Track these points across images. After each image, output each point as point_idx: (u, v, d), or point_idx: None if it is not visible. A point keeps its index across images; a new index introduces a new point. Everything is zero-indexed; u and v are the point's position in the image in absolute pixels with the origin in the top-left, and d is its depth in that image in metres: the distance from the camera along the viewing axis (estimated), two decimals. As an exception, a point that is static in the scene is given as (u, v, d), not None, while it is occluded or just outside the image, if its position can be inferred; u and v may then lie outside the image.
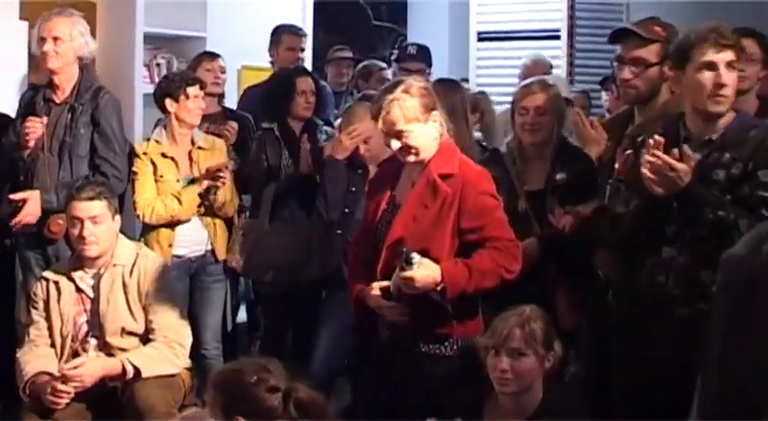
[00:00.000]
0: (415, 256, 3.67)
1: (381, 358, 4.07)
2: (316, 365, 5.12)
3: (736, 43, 3.53)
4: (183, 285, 5.20)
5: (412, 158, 3.88)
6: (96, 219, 4.47)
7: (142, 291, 4.54)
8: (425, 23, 9.75)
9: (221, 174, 5.20)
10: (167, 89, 5.33)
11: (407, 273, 3.67)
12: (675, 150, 3.39)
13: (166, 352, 4.46)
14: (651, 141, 3.41)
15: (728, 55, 3.50)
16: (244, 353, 6.03)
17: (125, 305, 4.52)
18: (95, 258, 4.55)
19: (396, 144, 3.84)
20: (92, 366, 4.36)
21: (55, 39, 5.09)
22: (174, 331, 4.53)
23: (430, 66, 6.55)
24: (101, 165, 5.10)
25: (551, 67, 7.08)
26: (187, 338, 4.60)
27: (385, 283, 3.85)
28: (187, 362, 4.60)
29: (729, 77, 3.50)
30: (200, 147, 5.41)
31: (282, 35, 6.80)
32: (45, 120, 5.07)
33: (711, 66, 3.50)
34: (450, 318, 3.88)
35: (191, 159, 5.37)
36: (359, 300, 4.00)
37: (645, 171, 3.41)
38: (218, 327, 5.49)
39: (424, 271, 3.69)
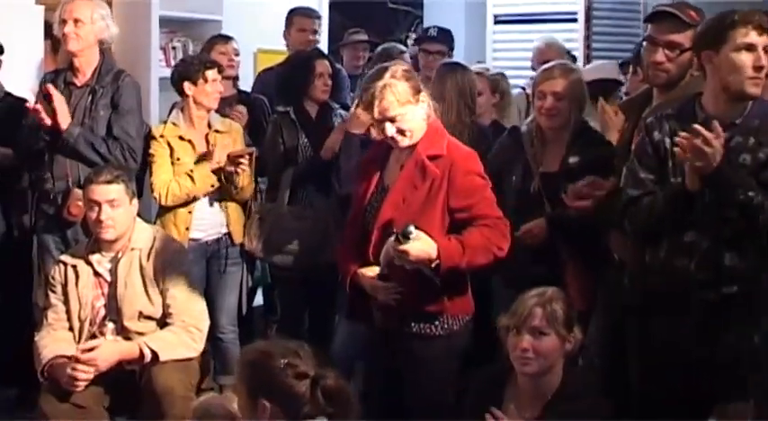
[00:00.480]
0: (413, 230, 3.70)
1: (375, 343, 4.16)
2: (335, 349, 5.13)
3: None
4: (199, 269, 5.21)
5: (406, 142, 3.96)
6: (114, 202, 4.47)
7: (159, 275, 4.54)
8: (442, 6, 9.70)
9: (242, 160, 5.19)
10: (185, 72, 5.32)
11: (403, 247, 3.71)
12: (697, 126, 3.36)
13: (184, 336, 4.46)
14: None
15: (766, 39, 3.48)
16: (260, 336, 6.04)
17: (142, 289, 4.52)
18: (113, 242, 4.55)
19: (391, 129, 3.92)
20: (107, 349, 4.37)
21: (75, 21, 5.10)
22: (191, 315, 4.53)
23: (451, 49, 6.53)
24: (113, 145, 5.12)
25: (566, 51, 7.02)
26: (204, 322, 4.60)
27: (378, 269, 3.92)
28: (204, 346, 4.61)
29: (766, 61, 3.49)
30: (216, 130, 5.41)
31: (294, 17, 6.81)
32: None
33: (751, 47, 3.49)
34: (440, 296, 3.93)
35: (207, 142, 5.37)
36: (353, 283, 4.06)
37: (678, 149, 3.39)
38: (235, 311, 5.50)
39: (420, 245, 3.74)
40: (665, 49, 3.96)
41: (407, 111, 3.91)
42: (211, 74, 5.32)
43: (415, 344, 3.98)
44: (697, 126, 3.36)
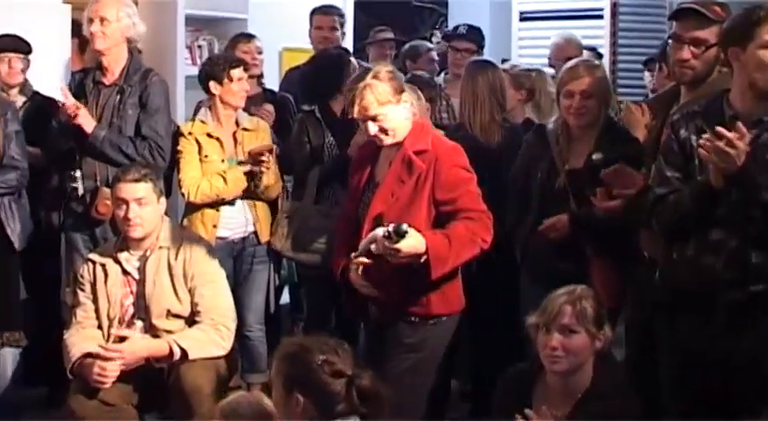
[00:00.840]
0: (407, 228, 3.79)
1: (371, 336, 4.32)
2: (361, 347, 5.13)
3: None
4: (226, 267, 5.20)
5: (389, 140, 4.10)
6: (142, 200, 4.48)
7: (188, 274, 4.54)
8: (467, 3, 9.69)
9: (263, 159, 5.19)
10: (211, 72, 5.32)
11: (396, 245, 3.80)
12: (720, 129, 3.33)
13: (213, 334, 4.47)
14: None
15: None
16: (287, 335, 6.05)
17: (171, 287, 4.53)
18: (141, 240, 4.56)
19: (373, 128, 4.06)
20: (136, 344, 4.39)
21: (102, 20, 5.12)
22: (220, 313, 4.53)
23: (481, 47, 6.51)
24: (141, 145, 5.14)
25: (585, 47, 6.99)
26: (233, 320, 4.61)
27: (362, 259, 4.01)
28: (228, 344, 4.60)
29: None
30: (244, 129, 5.41)
31: (313, 16, 6.81)
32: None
33: None
34: (432, 294, 4.04)
35: (235, 140, 5.37)
36: (344, 276, 4.19)
37: (702, 151, 3.37)
38: (262, 309, 5.50)
39: (411, 241, 3.83)
40: (691, 45, 3.94)
41: (388, 110, 4.04)
42: (237, 72, 5.31)
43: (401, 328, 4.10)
44: (720, 129, 3.33)
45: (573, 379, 3.61)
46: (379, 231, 3.88)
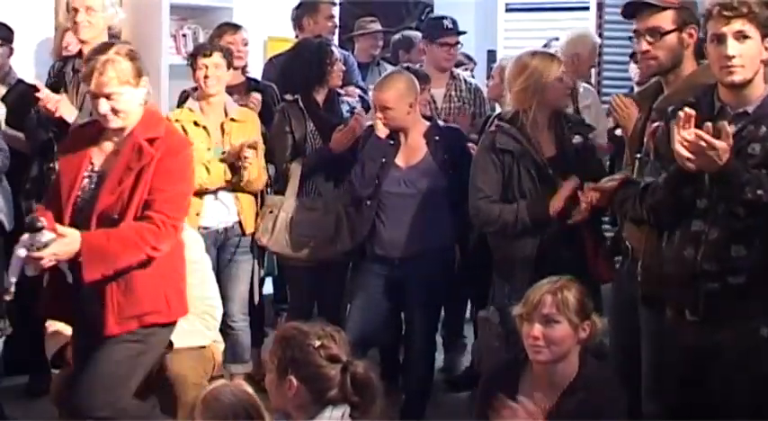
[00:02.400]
0: (40, 223, 3.61)
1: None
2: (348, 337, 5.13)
3: (746, 12, 3.42)
4: (210, 257, 5.20)
5: (118, 123, 3.89)
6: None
7: None
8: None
9: (246, 155, 5.18)
10: (190, 60, 5.38)
11: (38, 254, 3.65)
12: (709, 124, 3.32)
13: (197, 324, 4.45)
14: (682, 114, 3.36)
15: (736, 25, 3.42)
16: (270, 326, 6.05)
17: None
18: None
19: (105, 106, 3.85)
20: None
21: (87, 9, 5.09)
22: (205, 303, 4.51)
23: (457, 41, 6.51)
24: None
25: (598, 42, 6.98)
26: (218, 310, 4.59)
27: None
28: (217, 335, 4.59)
29: (736, 48, 3.42)
30: (232, 119, 5.39)
31: (321, 5, 6.82)
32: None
33: (720, 38, 3.45)
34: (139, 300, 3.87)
35: (223, 130, 5.36)
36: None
37: (679, 148, 3.35)
38: (246, 300, 5.50)
39: (58, 246, 3.68)
40: (647, 35, 3.95)
41: (125, 91, 3.85)
42: (203, 61, 5.30)
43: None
44: (698, 131, 3.32)
45: (558, 369, 3.59)
46: (24, 237, 3.67)
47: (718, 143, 3.28)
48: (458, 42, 6.34)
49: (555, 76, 4.61)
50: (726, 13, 3.43)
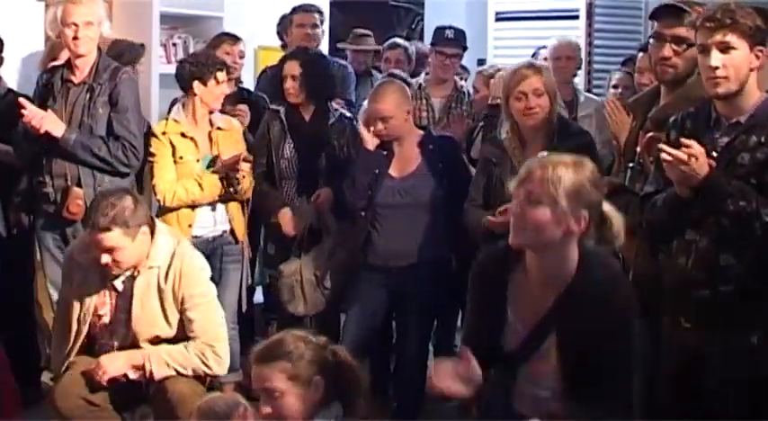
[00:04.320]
0: None
1: None
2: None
3: (729, 23, 3.41)
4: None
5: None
6: (115, 249, 4.22)
7: (177, 296, 4.36)
8: (443, 3, 9.68)
9: (239, 167, 5.17)
10: (198, 72, 5.26)
11: None
12: (691, 142, 3.32)
13: (195, 360, 4.36)
14: (647, 137, 3.37)
15: (718, 36, 3.43)
16: (260, 334, 6.03)
17: (160, 312, 4.38)
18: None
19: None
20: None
21: (87, 24, 5.08)
22: (210, 337, 4.42)
23: (464, 49, 6.51)
24: (114, 145, 5.10)
25: (579, 49, 6.98)
26: (224, 340, 4.49)
27: None
28: (222, 368, 4.48)
29: (719, 59, 3.42)
30: (219, 128, 5.38)
31: (294, 15, 6.76)
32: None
33: (705, 49, 3.46)
34: None
35: (210, 140, 5.34)
36: None
37: (664, 164, 3.36)
38: (235, 308, 5.47)
39: None
40: (672, 43, 3.94)
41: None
42: (221, 76, 5.30)
43: None
44: (664, 147, 3.32)
45: (552, 267, 3.17)
46: None
47: (691, 159, 3.26)
48: (456, 54, 6.34)
49: (516, 91, 4.58)
50: (709, 24, 3.45)
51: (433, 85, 6.35)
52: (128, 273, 4.38)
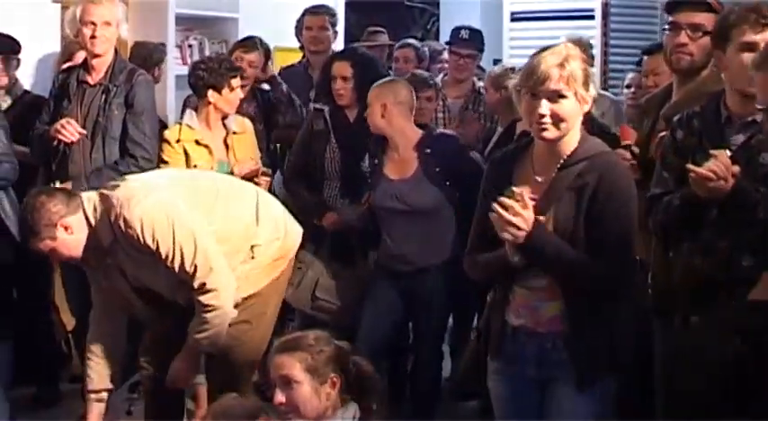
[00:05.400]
0: None
1: None
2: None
3: None
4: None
5: None
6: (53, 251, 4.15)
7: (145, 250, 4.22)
8: (458, 3, 9.69)
9: (257, 181, 5.11)
10: (210, 80, 5.18)
11: None
12: (720, 152, 3.26)
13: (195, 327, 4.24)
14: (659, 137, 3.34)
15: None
16: (277, 336, 6.02)
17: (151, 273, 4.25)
18: None
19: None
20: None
21: (105, 23, 5.09)
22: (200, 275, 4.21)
23: (481, 50, 6.50)
24: (131, 147, 5.10)
25: (591, 46, 6.97)
26: (208, 275, 4.19)
27: None
28: (220, 298, 4.20)
29: None
30: (234, 132, 5.31)
31: (304, 17, 6.73)
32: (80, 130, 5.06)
33: (752, 46, 3.40)
34: None
35: (226, 145, 5.28)
36: None
37: (692, 183, 3.30)
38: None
39: None
40: (688, 30, 3.92)
41: None
42: (235, 82, 5.23)
43: None
44: (692, 168, 3.24)
45: (559, 144, 3.34)
46: None
47: (712, 174, 3.21)
48: (471, 55, 6.33)
49: None
50: (763, 21, 3.40)
51: (449, 86, 6.35)
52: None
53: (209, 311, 4.10)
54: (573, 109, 3.27)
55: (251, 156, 5.30)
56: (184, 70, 5.80)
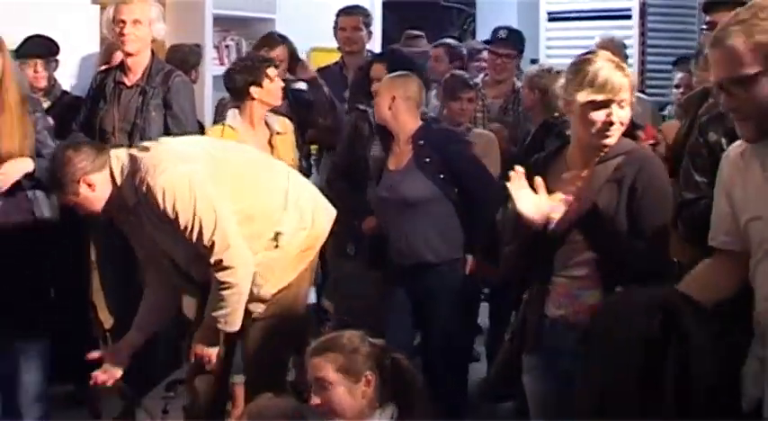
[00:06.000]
0: None
1: None
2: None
3: None
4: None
5: None
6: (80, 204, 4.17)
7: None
8: (494, 3, 9.67)
9: None
10: (250, 77, 5.16)
11: None
12: None
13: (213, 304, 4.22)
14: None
15: None
16: (314, 336, 6.03)
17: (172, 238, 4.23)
18: None
19: None
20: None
21: (135, 22, 5.11)
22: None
23: (521, 51, 6.48)
24: None
25: (625, 46, 6.94)
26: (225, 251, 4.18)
27: None
28: (237, 276, 4.16)
29: None
30: (277, 132, 5.30)
31: (338, 17, 6.76)
32: None
33: None
34: None
35: (271, 146, 5.25)
36: None
37: None
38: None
39: None
40: None
41: None
42: (272, 71, 5.22)
43: None
44: None
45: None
46: None
47: None
48: (509, 54, 6.31)
49: None
50: None
51: (489, 86, 6.34)
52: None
53: (226, 289, 4.08)
54: (629, 113, 3.42)
55: (291, 156, 5.31)
56: (222, 71, 5.81)
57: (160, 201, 3.98)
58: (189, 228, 4.01)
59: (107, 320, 5.57)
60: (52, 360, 5.14)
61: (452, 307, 5.06)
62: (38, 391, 4.80)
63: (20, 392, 4.75)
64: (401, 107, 4.99)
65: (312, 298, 6.35)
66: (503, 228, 4.42)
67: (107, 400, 5.43)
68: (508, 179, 3.47)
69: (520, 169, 3.37)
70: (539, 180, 3.37)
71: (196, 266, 4.21)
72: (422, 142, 4.99)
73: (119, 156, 4.11)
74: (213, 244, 4.02)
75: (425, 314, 5.07)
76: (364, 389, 3.27)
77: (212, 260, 4.05)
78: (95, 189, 4.05)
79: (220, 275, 4.06)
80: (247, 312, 4.21)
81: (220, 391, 4.51)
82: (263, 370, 4.36)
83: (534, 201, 3.34)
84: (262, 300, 4.28)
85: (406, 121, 5.03)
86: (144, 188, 4.00)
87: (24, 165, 4.48)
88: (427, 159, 4.94)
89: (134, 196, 4.06)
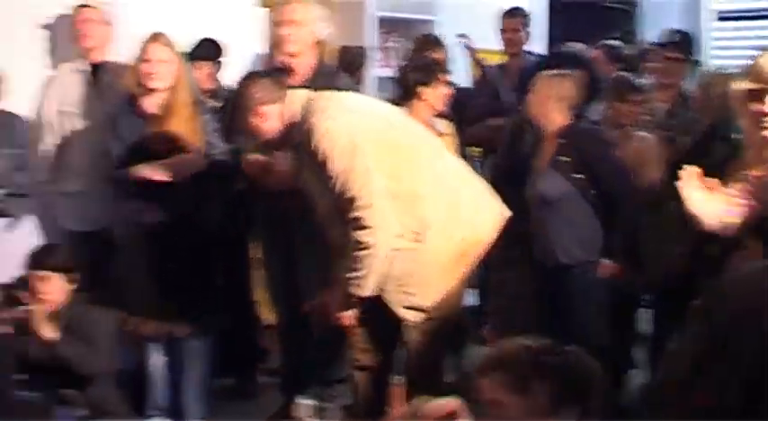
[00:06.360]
0: None
1: None
2: None
3: None
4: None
5: None
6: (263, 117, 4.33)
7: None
8: (658, 3, 9.49)
9: None
10: (422, 78, 5.19)
11: None
12: None
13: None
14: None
15: None
16: (472, 337, 6.02)
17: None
18: None
19: None
20: None
21: (292, 23, 5.13)
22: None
23: (690, 54, 6.33)
24: None
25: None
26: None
27: None
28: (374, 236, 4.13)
29: None
30: (440, 134, 5.24)
31: (502, 19, 6.79)
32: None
33: None
34: None
35: None
36: None
37: None
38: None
39: None
40: None
41: None
42: (443, 76, 5.26)
43: None
44: None
45: None
46: None
47: None
48: (675, 58, 6.17)
49: None
50: None
51: (656, 89, 6.20)
52: None
53: (362, 249, 4.04)
54: None
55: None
56: (386, 72, 5.85)
57: (319, 142, 4.06)
58: (337, 177, 4.04)
59: (268, 318, 5.65)
60: (216, 354, 5.27)
61: (583, 310, 5.01)
62: (202, 388, 4.92)
63: (185, 389, 4.87)
64: (554, 107, 5.01)
65: (471, 299, 6.35)
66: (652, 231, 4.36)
67: (263, 397, 5.53)
68: (672, 181, 3.40)
69: (695, 169, 3.29)
70: (714, 180, 3.28)
71: (335, 223, 4.20)
72: (563, 141, 4.98)
73: (299, 95, 4.27)
74: (355, 199, 4.02)
75: (561, 317, 5.03)
76: (534, 401, 3.20)
77: (352, 216, 4.04)
78: (266, 119, 4.21)
79: (359, 234, 4.03)
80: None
81: (380, 391, 4.54)
82: (422, 371, 4.38)
83: (708, 203, 3.25)
84: (418, 309, 4.27)
85: (555, 119, 5.03)
86: (306, 127, 4.10)
87: (193, 163, 4.60)
88: (566, 158, 4.93)
89: (299, 135, 4.16)
